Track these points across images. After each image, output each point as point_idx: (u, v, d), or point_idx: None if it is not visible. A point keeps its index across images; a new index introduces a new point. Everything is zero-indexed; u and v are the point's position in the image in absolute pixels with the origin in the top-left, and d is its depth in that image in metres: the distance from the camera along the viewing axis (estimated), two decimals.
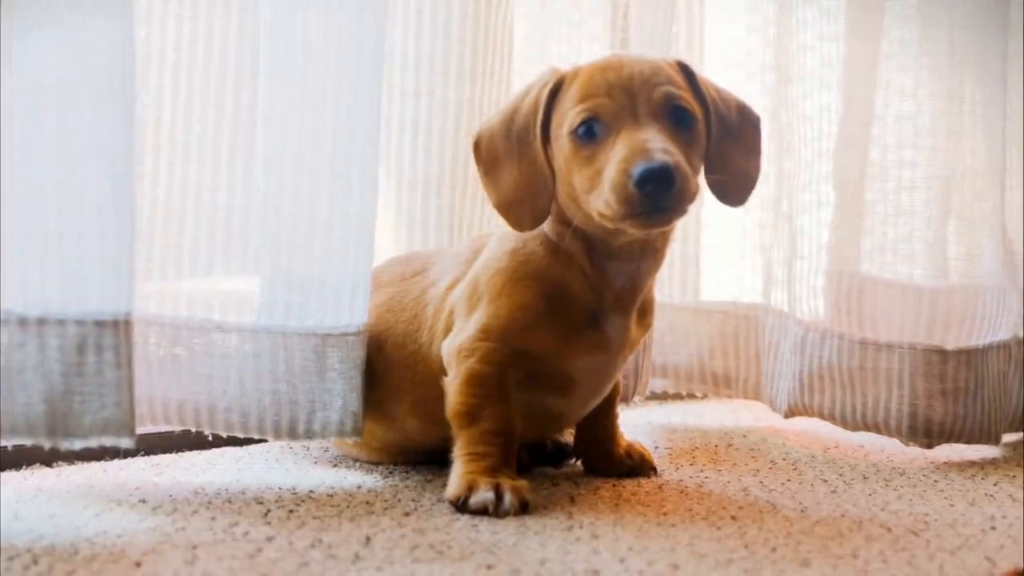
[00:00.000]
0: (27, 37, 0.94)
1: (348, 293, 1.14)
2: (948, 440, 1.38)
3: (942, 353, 1.38)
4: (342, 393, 1.13)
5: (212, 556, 0.88)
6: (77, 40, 0.95)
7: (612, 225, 1.02)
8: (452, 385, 1.09)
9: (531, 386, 1.11)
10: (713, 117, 1.08)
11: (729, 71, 1.62)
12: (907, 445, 1.40)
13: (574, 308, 1.09)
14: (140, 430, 1.22)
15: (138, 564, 0.85)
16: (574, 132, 1.03)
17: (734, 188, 1.11)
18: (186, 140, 1.14)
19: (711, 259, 1.67)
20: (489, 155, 1.10)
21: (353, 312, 1.14)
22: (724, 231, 1.66)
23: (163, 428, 1.19)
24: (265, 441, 1.28)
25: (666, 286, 1.61)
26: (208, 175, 1.14)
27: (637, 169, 0.97)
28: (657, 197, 0.97)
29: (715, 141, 1.09)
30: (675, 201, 0.98)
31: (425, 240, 1.37)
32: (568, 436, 1.29)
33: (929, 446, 1.39)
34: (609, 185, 0.99)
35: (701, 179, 1.08)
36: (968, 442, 1.39)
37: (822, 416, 1.45)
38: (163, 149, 1.14)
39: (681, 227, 1.61)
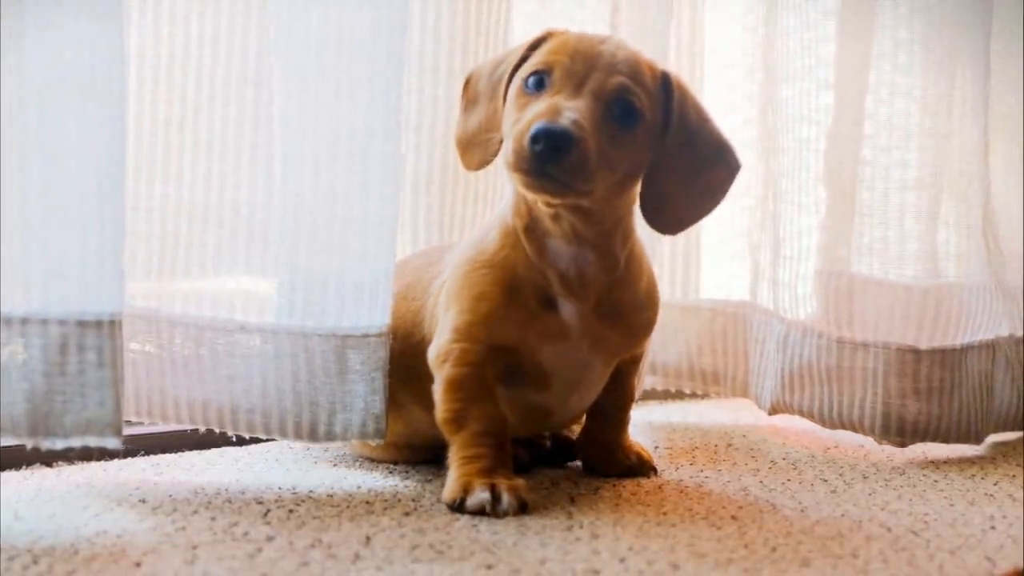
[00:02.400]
0: (11, 36, 0.93)
1: (368, 293, 1.13)
2: (923, 439, 1.38)
3: (916, 352, 1.38)
4: (363, 395, 1.12)
5: (212, 556, 0.88)
6: (63, 39, 0.95)
7: (508, 175, 1.03)
8: (437, 392, 1.09)
9: (511, 383, 1.11)
10: (673, 137, 1.07)
11: (726, 71, 1.62)
12: (880, 444, 1.40)
13: (527, 290, 1.08)
14: (143, 430, 1.23)
15: (138, 564, 0.85)
16: (524, 80, 1.05)
17: (666, 216, 1.10)
18: (209, 139, 1.14)
19: (703, 257, 1.67)
20: (472, 92, 1.13)
21: (374, 312, 1.13)
22: (716, 230, 1.65)
23: (183, 427, 1.20)
24: (267, 441, 1.28)
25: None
26: (230, 173, 1.14)
27: (536, 125, 0.98)
28: (543, 159, 0.97)
29: (665, 162, 1.07)
30: (563, 173, 0.98)
31: (415, 238, 1.37)
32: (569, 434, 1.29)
33: (902, 445, 1.38)
34: (514, 134, 1.00)
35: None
36: (945, 441, 1.39)
37: (802, 414, 1.44)
38: (187, 149, 1.13)
39: None
